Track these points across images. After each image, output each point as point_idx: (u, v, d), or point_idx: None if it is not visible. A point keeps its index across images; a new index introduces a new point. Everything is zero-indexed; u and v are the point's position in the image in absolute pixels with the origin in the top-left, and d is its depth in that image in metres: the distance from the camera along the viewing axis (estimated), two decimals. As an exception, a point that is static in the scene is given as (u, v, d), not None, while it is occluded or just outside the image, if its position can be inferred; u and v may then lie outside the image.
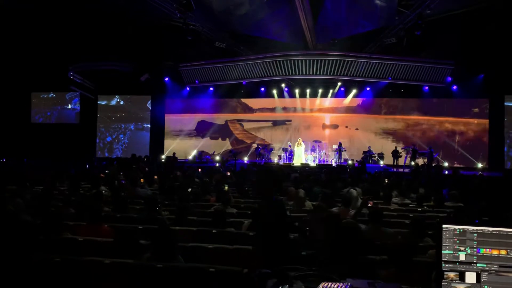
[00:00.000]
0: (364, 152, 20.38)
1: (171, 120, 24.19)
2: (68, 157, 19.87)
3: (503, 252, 1.76)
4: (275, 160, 21.04)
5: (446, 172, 17.05)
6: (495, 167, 19.49)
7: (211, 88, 22.62)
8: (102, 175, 11.40)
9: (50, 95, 24.93)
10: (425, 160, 18.77)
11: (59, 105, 24.86)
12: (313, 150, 21.00)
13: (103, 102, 24.75)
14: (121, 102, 24.78)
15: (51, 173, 11.27)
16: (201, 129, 23.95)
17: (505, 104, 20.57)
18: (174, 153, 20.88)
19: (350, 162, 19.06)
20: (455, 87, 20.04)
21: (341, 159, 20.14)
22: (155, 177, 10.74)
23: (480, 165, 20.06)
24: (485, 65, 18.31)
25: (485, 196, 8.33)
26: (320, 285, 1.85)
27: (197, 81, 21.33)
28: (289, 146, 20.95)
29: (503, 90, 19.95)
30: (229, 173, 12.59)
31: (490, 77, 18.88)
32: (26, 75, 21.61)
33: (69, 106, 24.72)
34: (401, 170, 18.45)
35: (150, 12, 15.92)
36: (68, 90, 22.94)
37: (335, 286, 1.83)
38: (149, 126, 24.29)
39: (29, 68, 20.80)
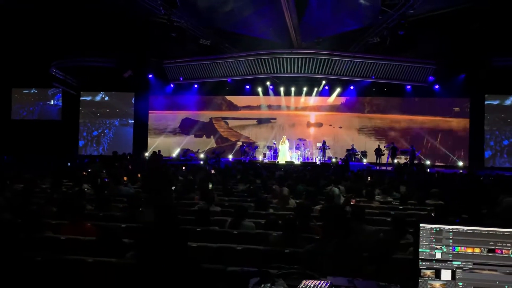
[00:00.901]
0: (347, 150, 20.56)
1: (155, 117, 24.01)
2: (50, 154, 19.57)
3: (477, 250, 1.82)
4: (260, 158, 21.09)
5: (429, 170, 17.33)
6: (475, 166, 19.88)
7: (196, 85, 22.52)
8: (84, 173, 11.29)
9: (32, 91, 24.50)
10: (407, 159, 19.05)
11: (41, 101, 24.45)
12: (297, 148, 21.10)
13: (88, 98, 24.44)
14: (106, 98, 24.50)
15: (32, 171, 11.11)
16: (186, 127, 23.84)
17: (486, 103, 21.01)
18: (158, 151, 20.72)
19: (334, 160, 19.21)
20: (437, 87, 20.35)
21: (325, 157, 20.28)
22: (139, 175, 10.66)
23: (461, 164, 20.43)
24: (466, 65, 18.65)
25: (464, 194, 8.50)
26: (302, 283, 1.88)
27: (181, 78, 21.21)
28: (274, 144, 21.01)
29: (483, 89, 20.35)
30: (213, 171, 12.58)
31: (471, 77, 19.23)
32: (7, 71, 21.20)
33: (52, 102, 24.33)
34: (383, 168, 18.70)
35: (134, 8, 15.78)
36: (51, 86, 22.58)
37: (316, 284, 1.87)
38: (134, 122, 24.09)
39: (10, 63, 20.40)
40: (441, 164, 20.65)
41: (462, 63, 18.63)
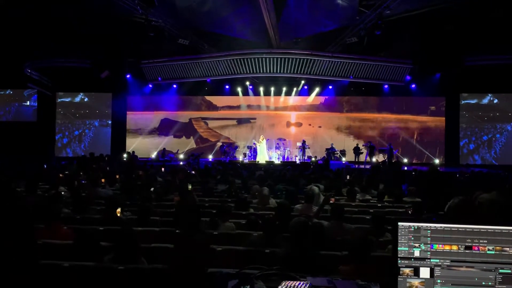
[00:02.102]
0: (326, 149, 20.73)
1: (133, 118, 23.73)
2: (25, 156, 19.09)
3: (454, 248, 1.84)
4: (240, 158, 21.06)
5: (406, 168, 17.59)
6: (451, 163, 20.31)
7: (175, 86, 22.36)
8: (61, 175, 11.05)
9: (8, 92, 23.89)
10: (385, 157, 19.33)
11: (16, 102, 23.86)
12: (277, 147, 21.16)
13: (67, 99, 23.99)
14: (86, 99, 24.07)
15: (6, 173, 10.82)
16: (165, 127, 23.63)
17: (463, 102, 21.48)
18: (133, 151, 20.44)
19: (313, 159, 19.32)
20: (413, 86, 20.71)
21: (304, 156, 20.41)
22: (117, 176, 10.50)
23: (437, 161, 20.83)
24: (441, 64, 19.02)
25: (440, 191, 8.65)
26: (281, 284, 1.87)
27: (159, 78, 21.01)
28: (254, 144, 21.02)
29: (458, 88, 20.81)
30: (193, 172, 12.49)
31: (447, 76, 19.63)
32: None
33: (28, 103, 23.77)
34: (362, 166, 18.91)
35: (111, 7, 15.52)
36: (26, 87, 22.07)
37: (295, 285, 1.86)
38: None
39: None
40: (417, 162, 21.01)
41: (438, 63, 19.00)
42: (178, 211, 5.70)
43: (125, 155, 21.03)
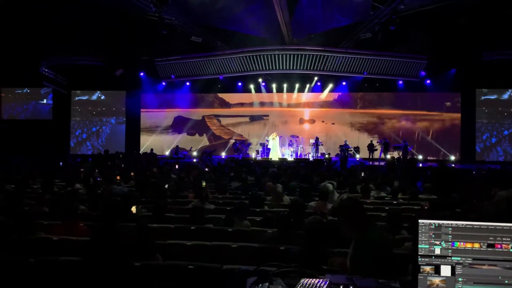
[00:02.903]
0: (340, 146, 20.57)
1: (147, 116, 23.90)
2: (42, 154, 19.39)
3: (476, 245, 1.81)
4: (253, 155, 21.07)
5: (421, 165, 17.42)
6: (467, 159, 20.03)
7: (188, 83, 22.44)
8: (82, 170, 11.20)
9: (25, 91, 24.25)
10: (400, 153, 19.14)
11: (33, 100, 24.21)
12: (290, 144, 21.10)
13: (85, 97, 24.26)
14: (102, 97, 24.32)
15: (23, 171, 10.99)
16: (178, 125, 23.75)
17: (483, 97, 21.14)
18: (151, 149, 20.62)
19: (326, 156, 19.23)
20: (428, 81, 20.45)
21: (318, 153, 20.32)
22: (132, 174, 10.59)
23: (453, 158, 20.57)
24: (457, 60, 18.75)
25: (457, 188, 8.55)
26: (300, 282, 1.86)
27: (173, 76, 21.10)
28: (267, 141, 20.99)
29: (474, 84, 20.48)
30: (207, 169, 12.54)
31: (462, 72, 19.34)
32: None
33: (44, 101, 24.10)
34: (376, 163, 18.77)
35: (124, 6, 15.62)
36: (41, 85, 22.36)
37: (314, 282, 1.84)
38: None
39: (-1, 63, 20.15)
40: (433, 158, 20.76)
41: (453, 58, 18.73)
42: (105, 201, 5.71)
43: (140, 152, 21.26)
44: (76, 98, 24.16)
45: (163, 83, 22.27)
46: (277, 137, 20.20)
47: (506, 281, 1.78)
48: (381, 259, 2.82)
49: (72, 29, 17.27)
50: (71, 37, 17.92)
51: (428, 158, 20.85)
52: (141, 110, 23.71)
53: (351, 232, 3.05)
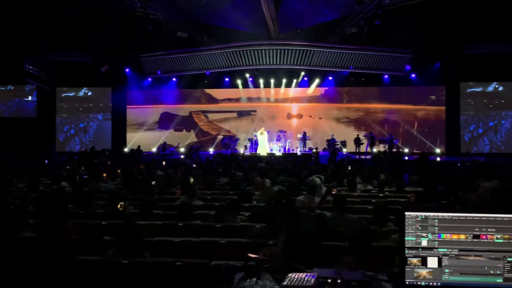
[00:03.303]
0: (327, 140, 20.68)
1: (133, 112, 23.68)
2: (26, 152, 19.09)
3: (462, 237, 1.83)
4: (241, 150, 21.06)
5: (407, 158, 17.59)
6: (452, 152, 20.29)
7: (174, 79, 22.27)
8: (63, 171, 11.05)
9: (8, 88, 23.82)
10: (386, 147, 19.30)
11: (17, 97, 23.79)
12: (278, 139, 21.13)
13: (71, 94, 23.92)
14: (89, 93, 24.01)
15: (7, 169, 10.81)
16: (165, 121, 23.58)
17: (469, 90, 21.40)
18: (138, 146, 20.46)
19: (314, 150, 19.31)
20: (413, 75, 20.61)
21: (305, 147, 20.39)
22: (118, 171, 10.50)
23: (438, 151, 20.82)
24: (441, 53, 18.93)
25: (442, 179, 8.66)
26: (288, 276, 1.86)
27: (159, 72, 20.93)
28: (255, 136, 20.99)
29: (458, 77, 20.71)
30: (194, 165, 12.49)
31: (446, 65, 19.54)
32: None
33: (29, 98, 23.69)
34: (363, 157, 18.91)
35: (109, 1, 15.43)
36: (25, 82, 22.00)
37: (302, 277, 1.85)
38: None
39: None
40: (418, 151, 20.98)
41: (437, 52, 18.91)
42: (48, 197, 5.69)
43: (126, 149, 21.08)
44: (63, 95, 23.81)
45: (149, 79, 22.06)
46: (265, 132, 20.21)
47: (491, 271, 1.80)
48: (311, 249, 2.88)
49: (56, 25, 17.01)
50: (55, 33, 17.64)
51: (414, 151, 21.06)
52: (127, 106, 23.47)
53: (283, 222, 3.11)
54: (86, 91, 23.91)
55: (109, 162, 14.54)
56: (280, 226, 3.36)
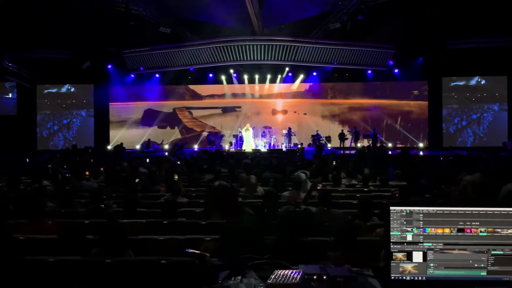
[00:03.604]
0: (312, 136, 20.76)
1: (116, 109, 23.39)
2: (6, 151, 18.71)
3: (447, 231, 1.83)
4: (226, 147, 21.00)
5: (390, 152, 17.77)
6: (434, 146, 20.57)
7: (157, 75, 22.04)
8: (48, 166, 10.89)
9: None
10: (370, 142, 19.47)
11: (-3, 94, 23.31)
12: (263, 135, 21.13)
13: (54, 90, 23.49)
14: (72, 89, 23.61)
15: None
16: (148, 118, 23.34)
17: (452, 84, 21.67)
18: (121, 143, 20.21)
19: (299, 146, 19.36)
20: (396, 71, 20.82)
21: (291, 143, 20.44)
22: (101, 169, 10.36)
23: (421, 145, 21.08)
24: (423, 49, 19.14)
25: (425, 173, 8.76)
26: (274, 274, 1.84)
27: (142, 68, 20.70)
28: (240, 132, 20.95)
29: (440, 72, 20.98)
30: (179, 162, 12.41)
31: (429, 60, 19.77)
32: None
33: (10, 95, 23.17)
34: (347, 152, 19.05)
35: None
36: (4, 79, 21.52)
37: (287, 274, 1.83)
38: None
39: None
40: (401, 146, 21.22)
41: (420, 47, 19.11)
42: None
43: (109, 147, 20.82)
44: (45, 91, 23.40)
45: (132, 75, 21.82)
46: (251, 129, 20.18)
47: (475, 265, 1.81)
48: (249, 243, 2.89)
49: (36, 21, 16.65)
50: (36, 29, 17.28)
51: (397, 145, 21.29)
52: (110, 103, 23.17)
53: (221, 217, 3.11)
54: (69, 87, 23.54)
55: (92, 160, 14.34)
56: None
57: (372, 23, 17.00)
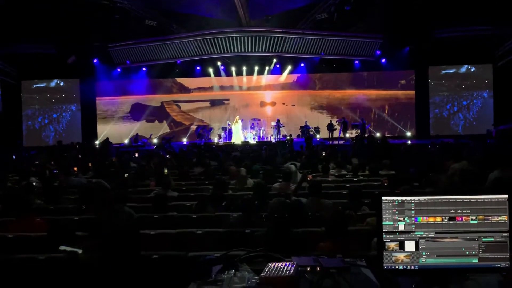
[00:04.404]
0: (301, 127, 20.79)
1: (103, 104, 23.14)
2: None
3: (438, 219, 1.83)
4: (215, 140, 20.95)
5: (379, 142, 17.88)
6: (422, 135, 20.76)
7: (144, 69, 21.84)
8: (34, 164, 10.75)
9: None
10: (358, 132, 19.57)
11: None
12: (252, 127, 21.10)
13: (42, 85, 23.15)
14: (61, 83, 23.27)
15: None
16: (136, 112, 23.16)
17: (443, 72, 21.81)
18: (107, 138, 20.01)
19: (288, 137, 19.38)
20: (383, 60, 20.90)
21: (280, 135, 20.45)
22: (90, 164, 10.27)
23: (409, 134, 21.25)
24: (410, 38, 19.21)
25: (413, 162, 8.84)
26: (267, 266, 1.83)
27: (128, 62, 20.49)
28: (228, 125, 20.90)
29: (427, 61, 21.11)
30: (168, 156, 12.34)
31: (415, 50, 19.87)
32: None
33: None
34: (336, 142, 19.12)
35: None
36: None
37: (281, 266, 1.82)
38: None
39: None
40: (389, 135, 21.36)
41: (406, 37, 19.18)
42: None
43: (97, 142, 20.61)
44: (34, 86, 23.06)
45: (118, 69, 21.59)
46: (240, 121, 20.13)
47: (467, 252, 1.82)
48: (128, 235, 3.00)
49: (20, 16, 16.32)
50: (19, 24, 16.94)
51: (386, 135, 21.42)
52: (97, 98, 22.92)
53: (99, 211, 3.18)
54: (59, 82, 23.21)
55: (80, 156, 14.20)
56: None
57: (359, 13, 17.02)
